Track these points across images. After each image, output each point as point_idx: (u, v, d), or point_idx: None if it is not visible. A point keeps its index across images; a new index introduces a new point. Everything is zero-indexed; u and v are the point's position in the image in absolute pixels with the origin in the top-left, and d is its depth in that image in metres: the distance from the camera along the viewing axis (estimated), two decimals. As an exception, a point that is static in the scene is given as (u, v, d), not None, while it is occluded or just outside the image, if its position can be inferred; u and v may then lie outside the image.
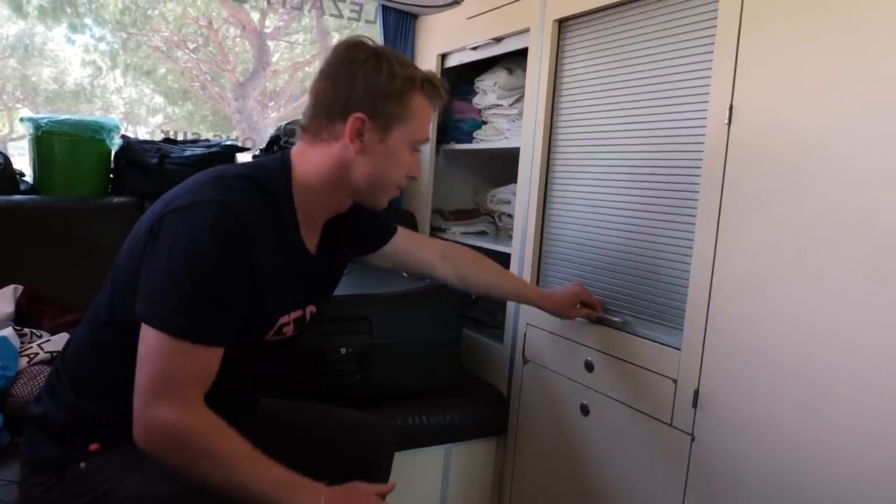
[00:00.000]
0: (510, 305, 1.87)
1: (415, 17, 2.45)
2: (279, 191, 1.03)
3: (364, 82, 1.01)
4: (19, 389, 1.39)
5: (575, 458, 1.62)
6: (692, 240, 1.30)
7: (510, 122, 2.05)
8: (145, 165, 2.04)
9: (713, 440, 1.26)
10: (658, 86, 1.41)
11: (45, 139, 1.96)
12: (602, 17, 1.57)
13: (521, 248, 1.82)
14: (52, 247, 1.85)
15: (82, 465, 1.00)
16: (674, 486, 1.34)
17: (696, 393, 1.29)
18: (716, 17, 1.26)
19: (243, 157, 2.36)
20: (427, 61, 2.37)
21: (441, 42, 2.32)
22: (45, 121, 1.95)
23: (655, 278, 1.42)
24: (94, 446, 1.01)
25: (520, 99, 1.98)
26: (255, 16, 5.97)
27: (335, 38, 6.15)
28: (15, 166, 2.02)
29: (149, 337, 0.91)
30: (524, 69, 1.86)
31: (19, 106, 6.45)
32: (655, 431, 1.39)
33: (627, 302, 1.49)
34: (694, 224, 1.30)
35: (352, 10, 2.66)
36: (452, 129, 2.32)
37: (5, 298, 1.66)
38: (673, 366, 1.34)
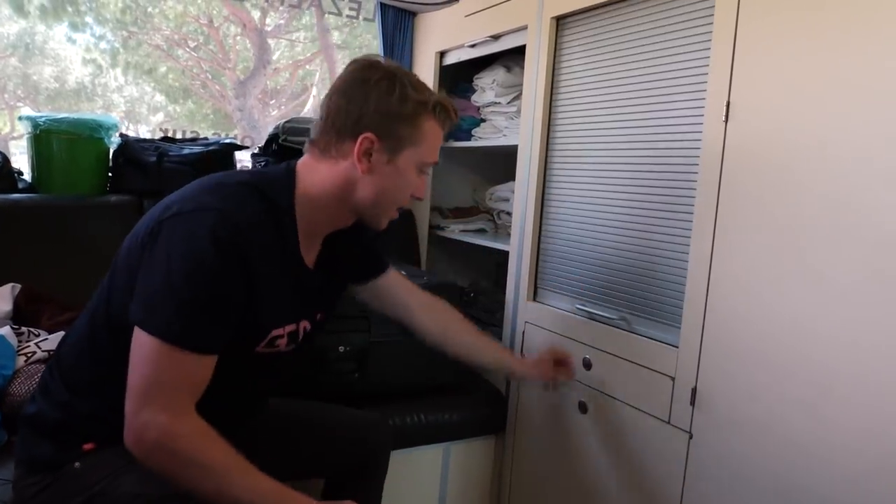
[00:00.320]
0: (509, 303, 1.87)
1: (413, 14, 2.45)
2: (281, 201, 1.03)
3: (376, 103, 1.01)
4: (17, 388, 1.40)
5: (573, 455, 1.61)
6: (689, 237, 1.30)
7: (508, 119, 2.05)
8: (143, 164, 2.04)
9: (711, 438, 1.26)
10: (655, 83, 1.41)
11: (44, 138, 1.96)
12: (599, 14, 1.56)
13: (519, 246, 1.82)
14: (50, 245, 1.85)
15: (77, 464, 1.00)
16: (672, 483, 1.33)
17: (694, 391, 1.28)
18: (713, 14, 1.26)
19: (242, 156, 2.36)
20: (425, 59, 2.36)
21: (439, 40, 2.31)
22: (43, 119, 1.95)
23: (653, 275, 1.41)
24: (88, 446, 1.01)
25: (518, 96, 1.97)
26: (256, 14, 5.96)
27: (336, 37, 6.16)
28: (14, 165, 2.03)
29: (142, 341, 0.91)
30: (522, 67, 1.86)
31: (20, 105, 6.45)
32: (653, 429, 1.38)
33: (625, 299, 1.49)
34: (691, 221, 1.30)
35: (350, 8, 2.66)
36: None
37: (3, 297, 1.66)
38: (671, 363, 1.34)
